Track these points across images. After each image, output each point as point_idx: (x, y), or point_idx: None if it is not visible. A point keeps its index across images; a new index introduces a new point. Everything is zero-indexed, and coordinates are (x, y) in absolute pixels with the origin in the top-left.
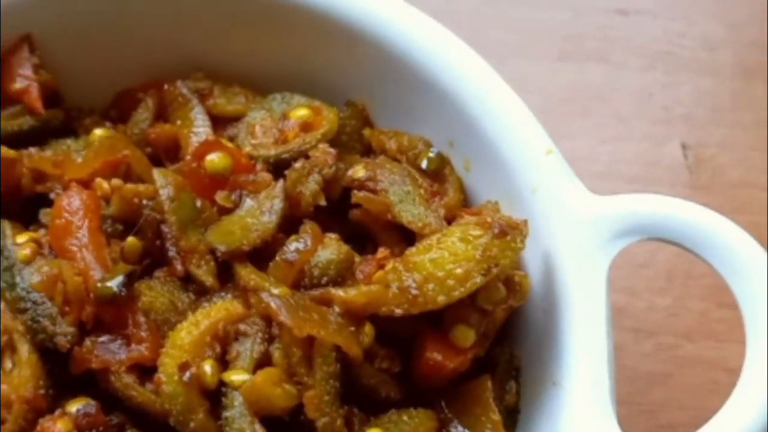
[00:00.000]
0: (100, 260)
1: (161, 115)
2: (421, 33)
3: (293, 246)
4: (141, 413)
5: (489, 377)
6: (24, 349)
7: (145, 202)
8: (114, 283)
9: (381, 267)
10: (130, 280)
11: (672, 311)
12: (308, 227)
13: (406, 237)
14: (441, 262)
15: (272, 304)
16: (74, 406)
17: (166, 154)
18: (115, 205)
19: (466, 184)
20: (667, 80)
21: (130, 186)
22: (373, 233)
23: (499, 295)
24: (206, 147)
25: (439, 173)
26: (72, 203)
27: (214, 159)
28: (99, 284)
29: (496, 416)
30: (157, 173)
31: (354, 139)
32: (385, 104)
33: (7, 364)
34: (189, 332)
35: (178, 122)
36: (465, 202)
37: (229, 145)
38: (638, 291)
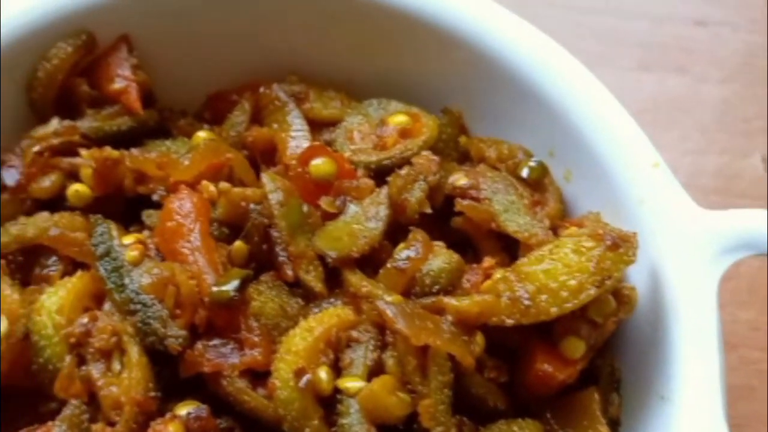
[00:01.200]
0: (212, 264)
1: (255, 117)
2: (524, 40)
3: (404, 254)
4: (250, 418)
5: (596, 389)
6: (134, 351)
7: (252, 206)
8: (230, 287)
9: (487, 276)
10: (245, 284)
11: (754, 324)
12: (418, 235)
13: (507, 246)
14: (554, 273)
15: (388, 312)
16: (184, 410)
17: (262, 157)
18: (222, 208)
19: (565, 194)
20: (747, 93)
21: (237, 189)
22: (474, 242)
23: (609, 308)
24: (311, 152)
25: (539, 183)
26: (183, 206)
27: (319, 164)
28: (214, 288)
29: (605, 428)
30: (266, 177)
31: (450, 146)
32: (481, 112)
33: (116, 365)
34: (303, 338)
35: (275, 126)
36: (564, 212)
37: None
38: (721, 304)
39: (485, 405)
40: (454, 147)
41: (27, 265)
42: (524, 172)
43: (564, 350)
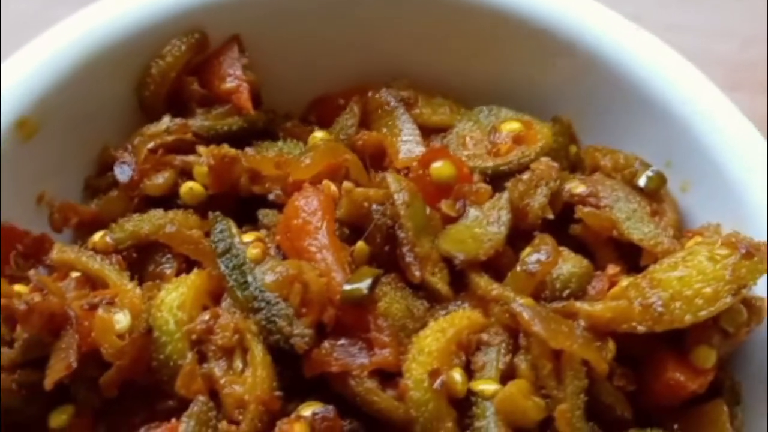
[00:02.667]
0: (339, 263)
1: (363, 122)
2: (642, 48)
3: (534, 257)
4: (375, 420)
5: (724, 402)
6: (258, 350)
7: (374, 207)
8: (363, 285)
9: (612, 284)
10: (376, 283)
11: None
12: (546, 239)
13: (624, 255)
14: (689, 281)
15: (524, 315)
16: (309, 410)
17: (371, 161)
18: (343, 208)
19: (681, 205)
20: None
21: (360, 189)
22: (591, 250)
23: (741, 318)
24: (432, 154)
25: (656, 193)
26: (309, 203)
27: (440, 167)
28: (347, 286)
29: None
30: (391, 178)
31: (561, 156)
32: (592, 121)
33: (237, 364)
34: (436, 339)
35: (384, 130)
36: (680, 223)
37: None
38: None
39: (612, 414)
40: (565, 156)
41: (141, 262)
42: (642, 182)
43: (695, 359)
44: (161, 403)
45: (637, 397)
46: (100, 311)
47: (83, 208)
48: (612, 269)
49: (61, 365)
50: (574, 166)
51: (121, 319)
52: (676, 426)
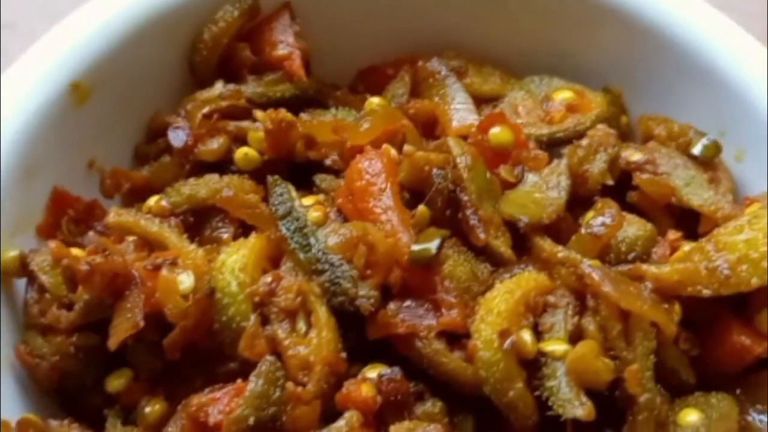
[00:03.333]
0: (404, 224)
1: (413, 91)
2: (697, 16)
3: (599, 220)
4: (440, 383)
5: None
6: (322, 311)
7: (435, 171)
8: (432, 246)
9: (674, 249)
10: (443, 244)
11: None
12: (610, 203)
13: (681, 223)
14: (755, 243)
15: (594, 276)
16: (374, 372)
17: (422, 130)
18: (404, 172)
19: (735, 175)
20: None
21: (421, 153)
22: (649, 218)
23: None
24: (491, 120)
25: (710, 162)
26: (373, 165)
27: (498, 132)
28: (415, 247)
29: None
30: (453, 142)
31: (612, 125)
32: (642, 91)
33: (301, 326)
34: (504, 300)
35: (436, 99)
36: (735, 192)
37: None
38: None
39: (676, 378)
40: (616, 126)
41: (197, 227)
42: (697, 150)
43: (759, 324)
44: (222, 367)
45: (698, 364)
46: (163, 271)
47: (135, 174)
48: (673, 234)
49: (127, 324)
50: (625, 138)
51: (185, 280)
52: (738, 391)
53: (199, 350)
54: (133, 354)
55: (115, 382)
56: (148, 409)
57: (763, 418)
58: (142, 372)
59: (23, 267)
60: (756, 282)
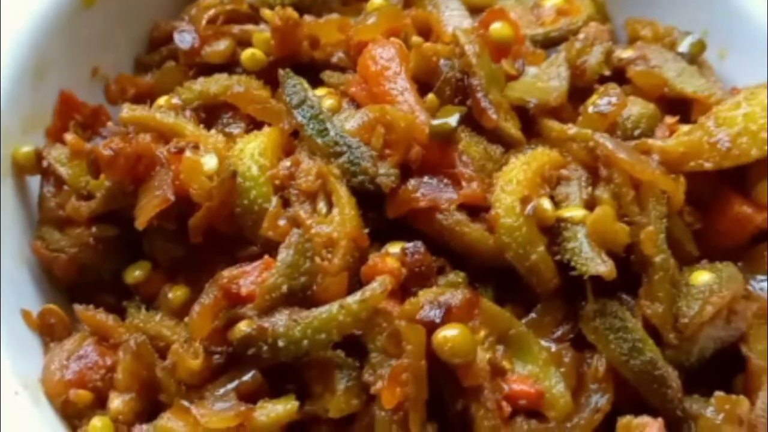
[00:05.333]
0: (420, 104)
1: (405, 3)
2: None
3: (605, 100)
4: (459, 257)
5: None
6: (343, 191)
7: (442, 61)
8: (452, 120)
9: (672, 132)
10: (462, 118)
11: None
12: (612, 86)
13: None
14: (753, 117)
15: (608, 144)
16: (397, 247)
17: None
18: (413, 62)
19: (718, 72)
20: None
21: (428, 44)
22: None
23: None
24: (492, 15)
25: (694, 59)
26: (386, 51)
27: (499, 27)
28: (435, 122)
29: None
30: (459, 32)
31: None
32: None
33: (321, 207)
34: (522, 170)
35: (430, 8)
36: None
37: None
38: None
39: (681, 249)
40: None
41: (207, 123)
42: (684, 47)
43: (758, 195)
44: (243, 251)
45: (701, 239)
46: (187, 153)
47: (140, 79)
48: (670, 119)
49: (156, 201)
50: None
51: (209, 161)
52: (739, 264)
53: (219, 236)
54: (152, 243)
55: (135, 273)
56: (171, 295)
57: (764, 285)
58: (162, 261)
59: (38, 163)
60: (756, 153)
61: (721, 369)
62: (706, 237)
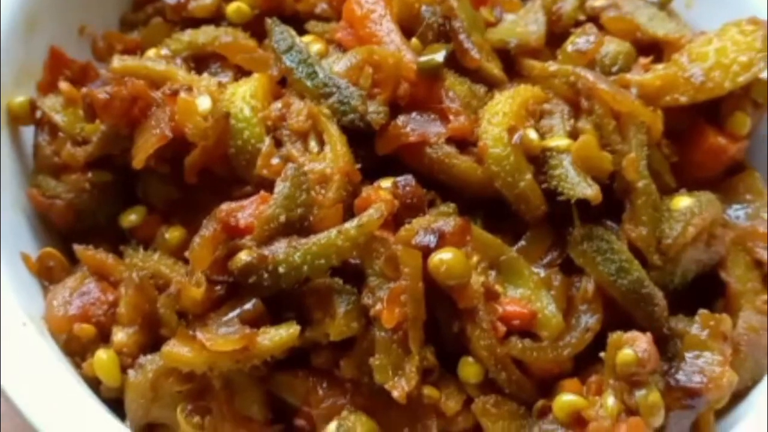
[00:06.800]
0: (406, 44)
1: None
2: None
3: (583, 38)
4: (450, 189)
5: (755, 170)
6: (333, 129)
7: (424, 7)
8: (439, 56)
9: (647, 71)
10: (448, 54)
11: None
12: (589, 26)
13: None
14: (725, 51)
15: (589, 77)
16: (389, 182)
17: None
18: (396, 8)
19: (685, 20)
20: None
21: None
22: None
23: None
24: None
25: (664, 7)
26: None
27: None
28: (422, 58)
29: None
30: None
31: None
32: None
33: (313, 146)
34: (507, 103)
35: None
36: None
37: None
38: None
39: (660, 180)
40: None
41: (198, 72)
42: None
43: (731, 126)
44: (238, 190)
45: (678, 172)
46: (182, 94)
47: (127, 36)
48: (644, 59)
49: (153, 139)
50: None
51: (203, 102)
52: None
53: (213, 177)
54: (147, 186)
55: (131, 217)
56: (167, 235)
57: (740, 213)
58: (157, 204)
59: (32, 113)
60: (729, 86)
61: (701, 296)
62: (682, 169)
